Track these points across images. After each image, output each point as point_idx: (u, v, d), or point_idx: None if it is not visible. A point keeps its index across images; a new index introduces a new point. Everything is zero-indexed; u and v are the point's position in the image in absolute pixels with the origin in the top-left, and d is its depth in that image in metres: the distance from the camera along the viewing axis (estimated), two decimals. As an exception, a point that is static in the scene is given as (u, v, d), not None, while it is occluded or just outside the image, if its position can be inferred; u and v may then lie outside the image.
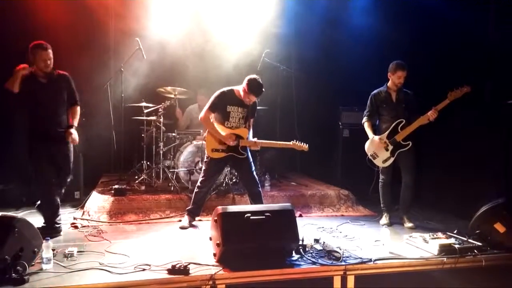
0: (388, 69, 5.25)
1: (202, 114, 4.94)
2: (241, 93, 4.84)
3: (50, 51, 4.48)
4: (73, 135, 4.60)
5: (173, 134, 6.64)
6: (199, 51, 7.15)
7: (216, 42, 7.01)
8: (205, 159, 5.12)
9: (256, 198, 5.01)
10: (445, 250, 4.07)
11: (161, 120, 6.42)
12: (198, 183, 5.07)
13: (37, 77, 4.49)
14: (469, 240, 4.25)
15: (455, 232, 4.47)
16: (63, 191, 4.82)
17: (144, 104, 6.50)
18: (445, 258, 4.00)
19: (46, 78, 4.53)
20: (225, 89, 4.95)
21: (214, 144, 4.90)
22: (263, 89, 4.80)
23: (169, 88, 6.63)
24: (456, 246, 4.10)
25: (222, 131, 4.86)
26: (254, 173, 5.09)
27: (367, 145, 5.33)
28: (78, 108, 4.81)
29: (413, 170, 5.21)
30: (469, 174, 5.72)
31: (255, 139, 4.97)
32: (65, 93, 4.67)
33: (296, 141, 5.03)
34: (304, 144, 5.03)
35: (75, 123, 4.72)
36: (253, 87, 4.73)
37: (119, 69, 6.64)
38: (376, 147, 5.23)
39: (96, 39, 7.23)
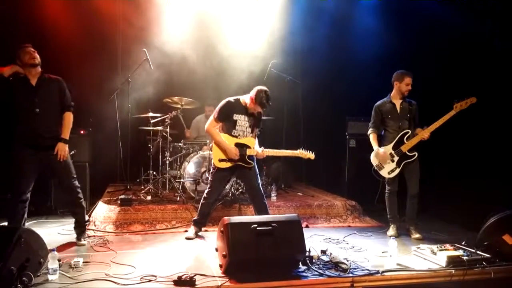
0: (393, 79, 5.26)
1: (207, 125, 4.95)
2: (248, 102, 4.86)
3: (31, 48, 4.37)
4: (61, 151, 4.41)
5: (180, 144, 6.66)
6: (206, 61, 7.19)
7: (223, 53, 7.04)
8: (211, 170, 5.12)
9: (261, 210, 4.98)
10: (453, 261, 4.02)
11: (168, 130, 6.44)
12: (205, 194, 5.06)
13: (28, 80, 4.36)
14: (478, 252, 4.19)
15: (463, 243, 4.43)
16: (80, 197, 4.63)
17: (151, 114, 6.52)
18: (453, 270, 3.95)
19: (36, 81, 4.39)
20: (231, 98, 4.96)
21: (221, 154, 4.89)
22: (270, 103, 4.80)
23: (175, 98, 6.65)
24: (465, 257, 4.04)
25: (228, 141, 4.87)
26: (260, 185, 5.08)
27: (372, 156, 5.33)
28: (71, 115, 4.56)
29: (419, 180, 5.19)
30: (477, 185, 5.68)
31: (262, 148, 4.98)
32: (57, 97, 4.49)
33: (303, 150, 5.05)
34: (311, 152, 5.04)
35: (67, 135, 4.49)
36: (261, 98, 4.72)
37: (126, 79, 6.69)
38: (381, 158, 5.22)
39: (104, 50, 7.31)
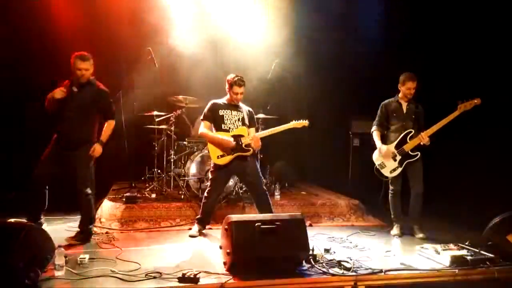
0: (398, 81, 5.27)
1: (200, 129, 5.03)
2: (229, 97, 5.03)
3: (88, 62, 4.71)
4: (95, 150, 4.75)
5: (184, 142, 6.68)
6: (211, 59, 7.18)
7: (227, 51, 7.05)
8: (210, 169, 5.15)
9: (263, 207, 5.00)
10: (457, 261, 4.03)
11: (172, 128, 6.46)
12: (205, 193, 5.10)
13: (72, 85, 4.69)
14: (481, 252, 4.19)
15: (467, 243, 4.41)
16: (84, 204, 4.79)
17: (155, 113, 6.55)
18: (457, 270, 3.96)
19: (78, 87, 4.71)
20: (216, 99, 5.12)
21: (218, 150, 4.94)
22: (243, 80, 4.99)
23: (180, 97, 6.67)
24: (468, 257, 4.05)
25: (221, 136, 4.94)
26: (262, 182, 5.11)
27: (375, 154, 5.34)
28: (112, 123, 4.93)
29: (422, 179, 5.19)
30: (481, 185, 5.67)
31: (255, 134, 5.05)
32: (95, 106, 4.79)
33: (296, 120, 5.11)
34: (304, 120, 5.10)
35: (104, 138, 4.83)
36: (232, 77, 4.95)
37: (131, 77, 6.71)
38: (384, 156, 5.23)
39: (108, 48, 7.31)
